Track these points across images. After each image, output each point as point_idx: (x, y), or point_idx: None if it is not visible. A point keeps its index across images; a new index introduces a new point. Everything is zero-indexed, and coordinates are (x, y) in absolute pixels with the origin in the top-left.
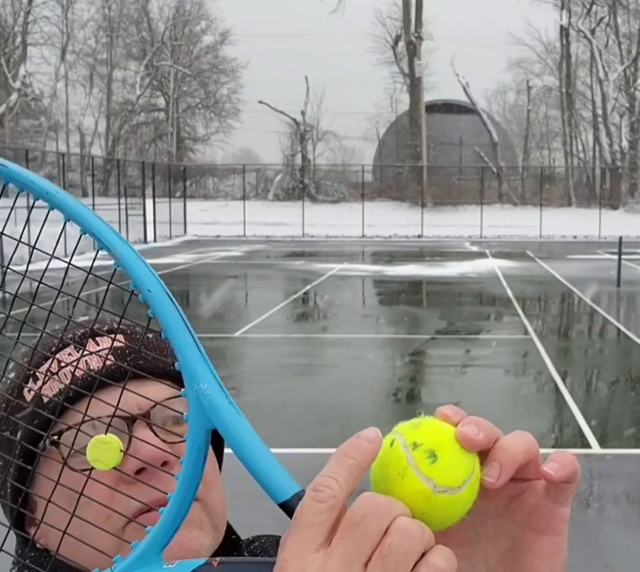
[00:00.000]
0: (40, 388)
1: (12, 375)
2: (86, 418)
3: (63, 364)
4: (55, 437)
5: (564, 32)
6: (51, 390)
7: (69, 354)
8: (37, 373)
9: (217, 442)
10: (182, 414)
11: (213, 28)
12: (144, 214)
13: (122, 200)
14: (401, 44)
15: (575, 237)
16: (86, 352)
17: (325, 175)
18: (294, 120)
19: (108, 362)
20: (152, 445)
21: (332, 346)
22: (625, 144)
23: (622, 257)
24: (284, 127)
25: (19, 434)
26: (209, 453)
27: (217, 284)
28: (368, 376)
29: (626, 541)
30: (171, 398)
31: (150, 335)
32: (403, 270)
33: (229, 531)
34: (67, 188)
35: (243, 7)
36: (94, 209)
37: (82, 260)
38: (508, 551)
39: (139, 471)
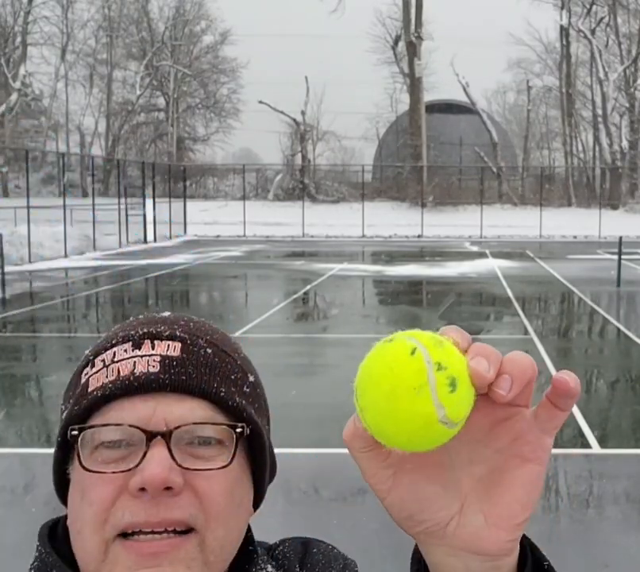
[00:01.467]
0: (90, 376)
1: (87, 352)
2: (107, 422)
3: (116, 359)
4: (75, 432)
5: (564, 32)
6: (97, 381)
7: (125, 350)
8: (96, 361)
9: (257, 472)
10: (210, 438)
11: (213, 28)
12: (144, 214)
13: (122, 200)
14: (401, 44)
15: (575, 237)
16: (138, 353)
17: (325, 175)
18: (294, 120)
19: (151, 369)
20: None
21: (332, 346)
22: (625, 144)
23: (622, 257)
24: (284, 127)
25: (64, 414)
26: (227, 483)
27: (217, 284)
28: None
29: (626, 541)
30: (203, 423)
31: (209, 350)
32: (403, 270)
33: (247, 542)
34: (67, 188)
35: (243, 7)
36: (94, 209)
37: (82, 260)
38: (483, 478)
39: (143, 488)
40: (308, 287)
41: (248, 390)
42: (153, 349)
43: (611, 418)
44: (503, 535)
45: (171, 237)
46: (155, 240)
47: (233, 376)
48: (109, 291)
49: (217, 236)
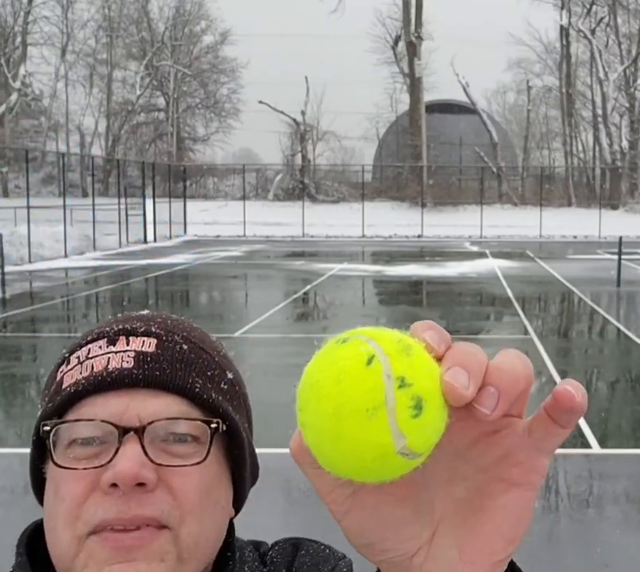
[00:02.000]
0: (65, 373)
1: (64, 350)
2: (79, 418)
3: (90, 355)
4: (47, 428)
5: (564, 32)
6: (71, 378)
7: (100, 347)
8: (71, 358)
9: (237, 471)
10: (186, 435)
11: (213, 28)
12: (144, 214)
13: (122, 200)
14: (401, 44)
15: (575, 237)
16: (113, 349)
17: (325, 175)
18: (294, 120)
19: (125, 365)
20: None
21: None
22: (625, 144)
23: (622, 257)
24: (284, 127)
25: (39, 412)
26: (202, 479)
27: (218, 284)
28: None
29: (626, 541)
30: (177, 418)
31: (185, 346)
32: (403, 270)
33: (224, 549)
34: (67, 188)
35: (243, 7)
36: (94, 209)
37: (82, 260)
38: (463, 501)
39: (115, 484)
40: (308, 287)
41: (225, 387)
42: (128, 345)
43: (611, 418)
44: None
45: (171, 237)
46: (155, 240)
47: (209, 373)
48: (110, 291)
49: (217, 236)
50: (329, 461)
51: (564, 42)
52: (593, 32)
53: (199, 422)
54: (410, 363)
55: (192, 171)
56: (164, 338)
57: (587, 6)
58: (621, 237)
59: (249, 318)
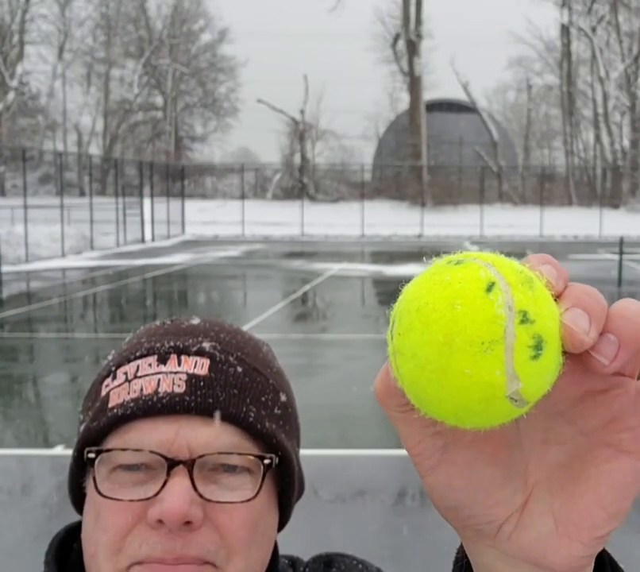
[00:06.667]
0: (111, 389)
1: (109, 359)
2: (126, 446)
3: (139, 373)
4: (92, 455)
5: (564, 30)
6: (118, 397)
7: (149, 365)
8: (118, 373)
9: (285, 497)
10: (236, 466)
11: (211, 26)
12: (142, 214)
13: (120, 199)
14: (400, 42)
15: (575, 236)
16: (163, 370)
17: (324, 175)
18: (293, 119)
19: (177, 389)
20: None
21: (331, 347)
22: (626, 143)
23: (624, 256)
24: (283, 126)
25: (82, 427)
26: (250, 515)
27: (216, 284)
28: (368, 376)
29: (631, 543)
30: (229, 453)
31: (239, 369)
32: (403, 270)
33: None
34: (65, 187)
35: (241, 5)
36: (91, 208)
37: (80, 260)
38: (560, 467)
39: (161, 521)
40: (307, 287)
41: (279, 412)
42: (179, 365)
43: None
44: (576, 549)
45: (169, 237)
46: (153, 239)
47: (263, 398)
48: (107, 291)
49: (216, 236)
50: (426, 397)
51: (565, 40)
52: (594, 30)
53: (252, 457)
54: (534, 297)
55: (190, 171)
56: (217, 358)
57: (588, 4)
58: (622, 237)
59: (248, 318)
